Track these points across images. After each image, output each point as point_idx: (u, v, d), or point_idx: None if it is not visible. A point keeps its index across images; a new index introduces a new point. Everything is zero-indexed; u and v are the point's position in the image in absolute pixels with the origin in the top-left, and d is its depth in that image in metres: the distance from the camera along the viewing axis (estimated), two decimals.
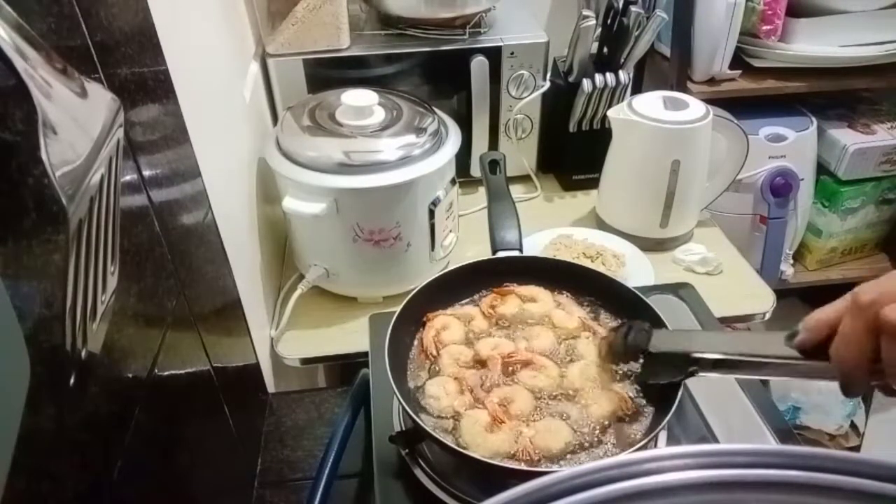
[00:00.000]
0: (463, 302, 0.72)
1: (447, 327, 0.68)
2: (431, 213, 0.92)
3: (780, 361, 0.46)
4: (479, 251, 0.87)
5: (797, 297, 1.69)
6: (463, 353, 0.65)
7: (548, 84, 1.13)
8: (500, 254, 0.76)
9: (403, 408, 0.58)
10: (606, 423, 0.58)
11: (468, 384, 0.62)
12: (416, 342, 0.68)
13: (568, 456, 0.56)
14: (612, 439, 0.58)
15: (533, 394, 0.61)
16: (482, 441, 0.56)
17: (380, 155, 0.86)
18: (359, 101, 0.89)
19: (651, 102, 1.03)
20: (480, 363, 0.64)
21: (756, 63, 1.34)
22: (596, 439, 0.58)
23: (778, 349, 0.45)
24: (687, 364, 0.52)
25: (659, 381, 0.57)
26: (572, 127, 1.16)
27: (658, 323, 0.62)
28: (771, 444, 0.63)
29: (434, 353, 0.65)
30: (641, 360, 0.58)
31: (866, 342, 0.38)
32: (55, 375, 0.33)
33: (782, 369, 0.47)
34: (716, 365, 0.51)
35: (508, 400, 0.60)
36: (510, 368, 0.63)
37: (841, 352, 0.40)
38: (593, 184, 1.16)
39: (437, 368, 0.64)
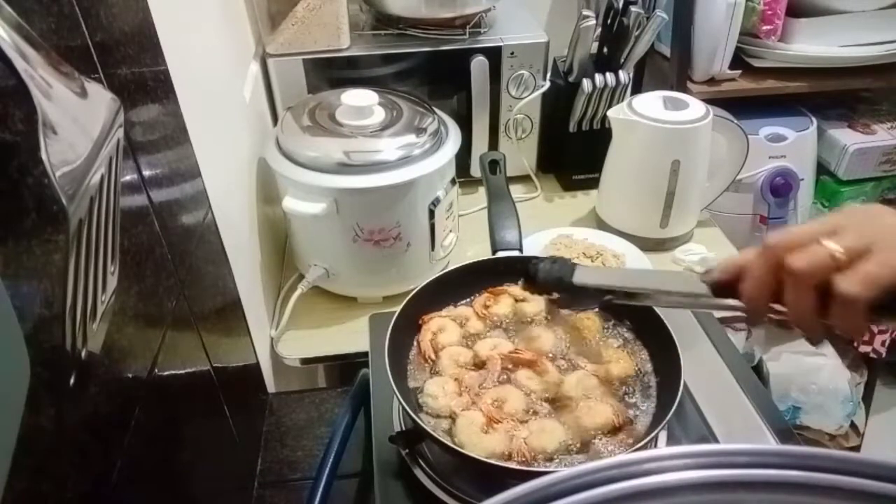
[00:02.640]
0: (460, 302, 0.72)
1: (443, 329, 0.68)
2: (431, 213, 0.92)
3: (692, 297, 0.52)
4: (479, 251, 0.87)
5: None
6: (462, 354, 0.65)
7: (548, 84, 1.13)
8: (500, 254, 0.76)
9: (403, 408, 0.58)
10: (597, 434, 0.58)
11: (467, 385, 0.62)
12: (414, 344, 0.68)
13: (563, 456, 0.57)
14: (609, 441, 0.58)
15: (527, 395, 0.61)
16: (477, 441, 0.56)
17: (380, 155, 0.86)
18: (359, 101, 0.89)
19: (651, 102, 1.03)
20: (480, 364, 0.64)
21: (756, 63, 1.34)
22: (591, 440, 0.58)
23: (693, 287, 0.50)
24: (603, 294, 0.57)
25: (580, 309, 0.63)
26: (572, 127, 1.16)
27: (658, 324, 0.62)
28: (771, 444, 0.63)
29: (433, 356, 0.65)
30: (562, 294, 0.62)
31: (769, 280, 0.43)
32: (55, 375, 0.33)
33: (691, 303, 0.54)
34: (628, 295, 0.57)
35: (502, 400, 0.60)
36: (512, 365, 0.63)
37: (747, 287, 0.45)
38: (593, 184, 1.16)
39: (437, 370, 0.64)
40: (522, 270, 0.64)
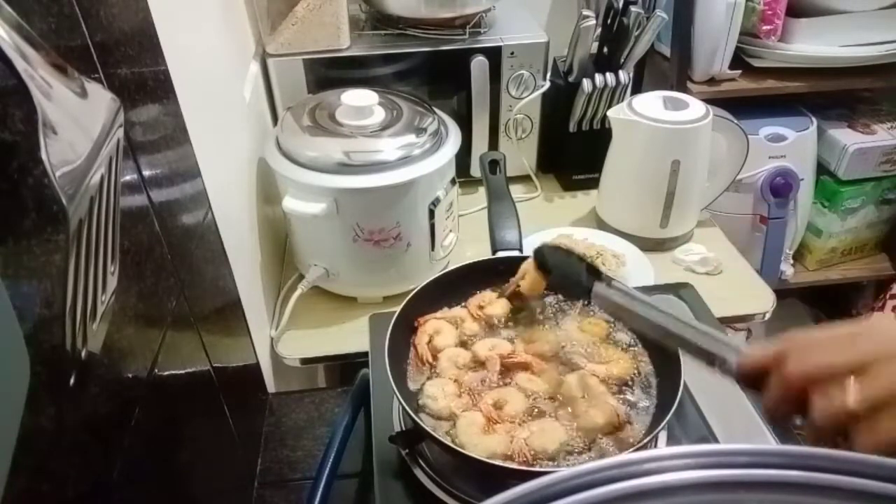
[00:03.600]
0: (459, 304, 0.72)
1: (439, 332, 0.68)
2: (431, 213, 0.92)
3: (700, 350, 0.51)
4: (479, 251, 0.87)
5: (797, 298, 1.69)
6: (461, 356, 0.65)
7: (548, 84, 1.13)
8: (500, 254, 0.76)
9: (403, 408, 0.58)
10: (597, 434, 0.58)
11: (467, 386, 0.62)
12: (412, 346, 0.68)
13: (564, 456, 0.57)
14: (609, 441, 0.58)
15: (527, 396, 0.61)
16: (478, 442, 0.56)
17: (380, 155, 0.86)
18: (359, 101, 0.89)
19: (651, 102, 1.03)
20: (479, 364, 0.64)
21: (756, 63, 1.34)
22: (591, 440, 0.58)
23: (713, 364, 0.49)
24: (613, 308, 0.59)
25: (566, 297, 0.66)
26: (572, 127, 1.16)
27: None
28: (771, 444, 0.63)
29: (430, 359, 0.65)
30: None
31: (789, 405, 0.43)
32: (55, 375, 0.33)
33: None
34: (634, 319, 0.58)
35: (503, 401, 0.60)
36: (509, 370, 0.63)
37: (767, 403, 0.45)
38: (593, 184, 1.16)
39: (436, 371, 0.64)
40: (538, 253, 0.65)
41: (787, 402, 0.44)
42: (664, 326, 0.54)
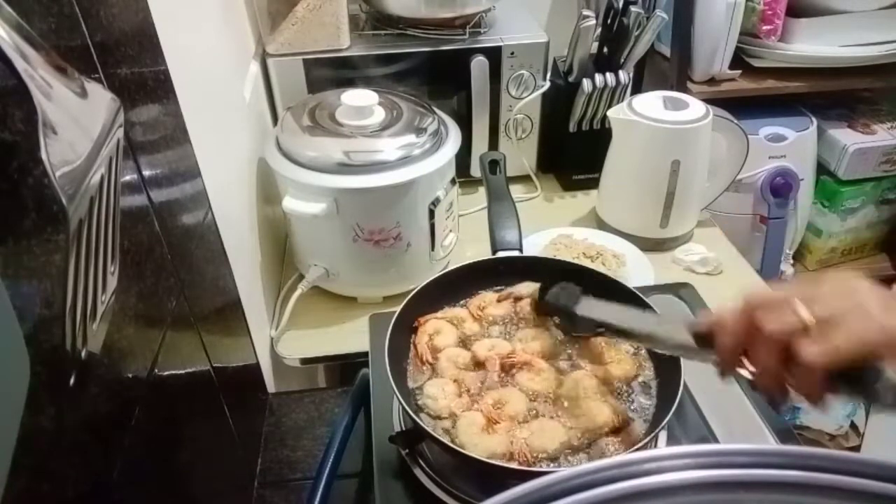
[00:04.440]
0: (456, 304, 0.72)
1: (439, 332, 0.68)
2: (431, 213, 0.92)
3: (679, 347, 0.55)
4: (479, 251, 0.87)
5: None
6: (461, 356, 0.65)
7: (548, 84, 1.13)
8: (500, 254, 0.76)
9: (403, 408, 0.58)
10: (597, 434, 0.58)
11: (467, 386, 0.62)
12: (412, 346, 0.68)
13: (564, 456, 0.57)
14: (609, 441, 0.58)
15: (527, 396, 0.61)
16: (478, 442, 0.56)
17: (380, 155, 0.86)
18: (359, 101, 0.89)
19: (651, 102, 1.03)
20: (478, 364, 0.64)
21: (756, 63, 1.34)
22: (591, 440, 0.58)
23: (680, 336, 0.53)
24: (597, 327, 0.62)
25: (577, 334, 0.67)
26: (572, 127, 1.16)
27: None
28: (771, 444, 0.63)
29: (430, 359, 0.65)
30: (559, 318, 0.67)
31: (741, 336, 0.46)
32: (55, 375, 0.33)
33: (677, 350, 0.57)
34: (619, 333, 0.61)
35: (503, 401, 0.60)
36: (509, 370, 0.63)
37: (720, 340, 0.48)
38: (593, 184, 1.16)
39: (436, 371, 0.64)
40: (537, 294, 0.68)
41: (740, 336, 0.46)
42: (636, 328, 0.59)
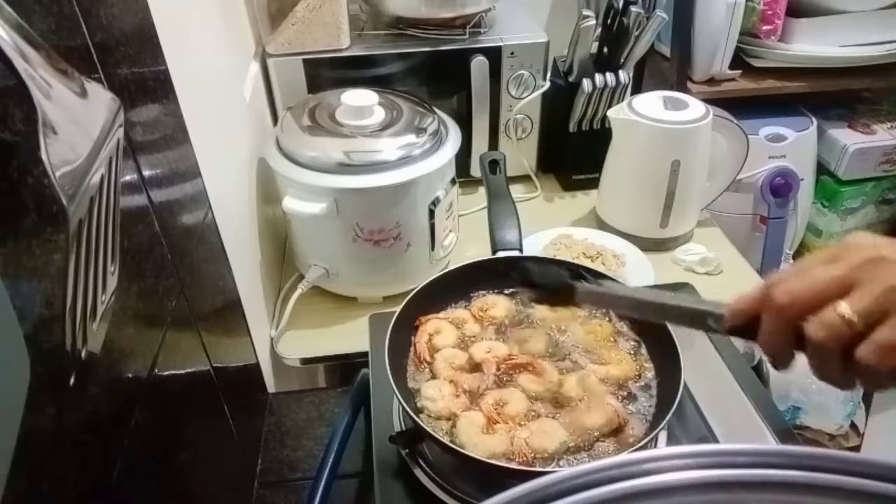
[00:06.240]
0: (458, 304, 0.72)
1: (439, 331, 0.68)
2: (431, 213, 0.92)
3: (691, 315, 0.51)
4: (479, 251, 0.87)
5: None
6: (457, 357, 0.65)
7: (548, 84, 1.13)
8: (500, 254, 0.76)
9: (403, 408, 0.58)
10: (597, 434, 0.58)
11: (463, 386, 0.62)
12: (412, 345, 0.68)
13: (564, 456, 0.57)
14: (609, 441, 0.58)
15: (528, 397, 0.61)
16: (478, 441, 0.56)
17: (380, 155, 0.86)
18: (359, 101, 0.89)
19: (651, 102, 1.03)
20: (475, 367, 0.64)
21: (756, 63, 1.34)
22: (591, 440, 0.58)
23: (704, 324, 0.49)
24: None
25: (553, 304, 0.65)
26: (572, 127, 1.16)
27: (658, 325, 0.62)
28: (771, 444, 0.63)
29: (428, 358, 0.65)
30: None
31: (788, 338, 0.43)
32: (55, 375, 0.33)
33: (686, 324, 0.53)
34: (614, 301, 0.59)
35: (503, 402, 0.60)
36: (510, 372, 0.63)
37: (767, 343, 0.44)
38: (593, 184, 1.16)
39: (432, 372, 0.64)
40: (521, 273, 0.64)
41: (781, 335, 0.43)
42: (649, 301, 0.55)
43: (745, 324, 0.45)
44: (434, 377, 0.64)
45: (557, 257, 0.98)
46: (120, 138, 0.35)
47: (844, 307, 0.40)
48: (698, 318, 0.50)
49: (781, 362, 0.45)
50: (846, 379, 0.42)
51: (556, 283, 0.60)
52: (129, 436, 0.43)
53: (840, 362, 0.41)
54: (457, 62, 1.07)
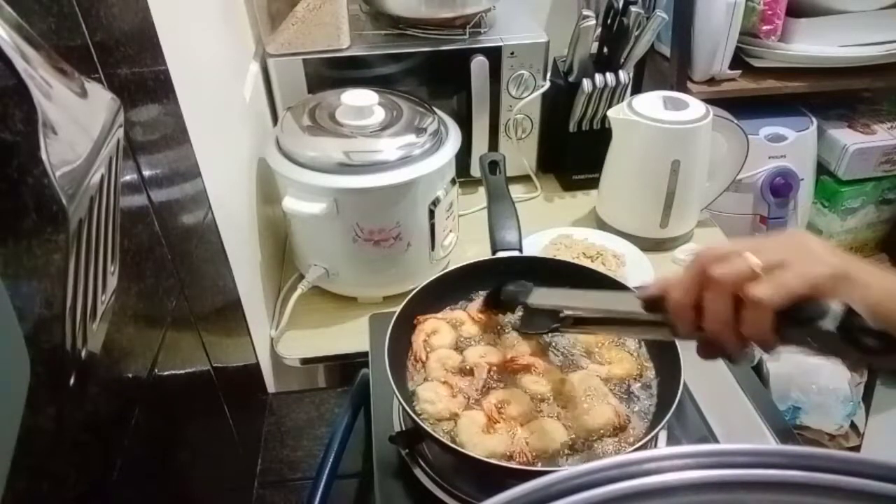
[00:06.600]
0: (459, 304, 0.72)
1: (437, 331, 0.68)
2: (431, 213, 0.92)
3: (628, 317, 0.54)
4: (479, 251, 0.87)
5: None
6: (451, 358, 0.65)
7: (548, 84, 1.13)
8: (500, 254, 0.76)
9: (403, 408, 0.58)
10: (598, 434, 0.58)
11: (458, 387, 0.62)
12: (411, 345, 0.68)
13: (564, 456, 0.57)
14: (609, 441, 0.58)
15: (531, 397, 0.61)
16: (479, 441, 0.56)
17: (380, 155, 0.86)
18: (359, 101, 0.89)
19: (651, 102, 1.03)
20: (468, 371, 0.64)
21: (756, 63, 1.34)
22: (591, 441, 0.58)
23: (628, 305, 0.52)
24: (554, 321, 0.61)
25: (532, 332, 0.66)
26: (572, 127, 1.16)
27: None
28: (771, 444, 0.63)
29: (423, 357, 0.65)
30: (520, 313, 0.68)
31: (693, 290, 0.46)
32: (55, 375, 0.33)
33: (631, 328, 0.57)
34: (576, 322, 0.61)
35: (505, 402, 0.60)
36: (508, 373, 0.63)
37: (672, 297, 0.48)
38: (593, 184, 1.16)
39: (425, 373, 0.64)
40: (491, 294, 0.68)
41: (692, 290, 0.46)
42: (589, 306, 0.58)
43: (664, 293, 0.48)
44: (426, 381, 0.64)
45: (557, 257, 0.98)
46: (120, 138, 0.35)
47: (751, 257, 0.44)
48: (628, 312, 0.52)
49: (682, 319, 0.48)
50: (734, 336, 0.45)
51: (513, 295, 0.64)
52: (129, 436, 0.43)
53: (733, 309, 0.44)
54: (457, 62, 1.07)
